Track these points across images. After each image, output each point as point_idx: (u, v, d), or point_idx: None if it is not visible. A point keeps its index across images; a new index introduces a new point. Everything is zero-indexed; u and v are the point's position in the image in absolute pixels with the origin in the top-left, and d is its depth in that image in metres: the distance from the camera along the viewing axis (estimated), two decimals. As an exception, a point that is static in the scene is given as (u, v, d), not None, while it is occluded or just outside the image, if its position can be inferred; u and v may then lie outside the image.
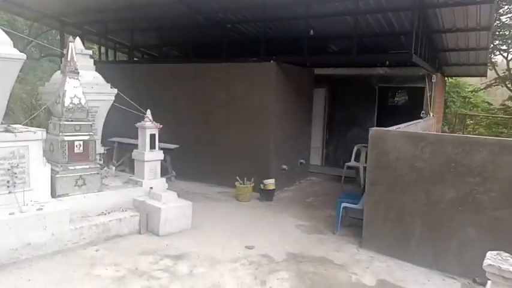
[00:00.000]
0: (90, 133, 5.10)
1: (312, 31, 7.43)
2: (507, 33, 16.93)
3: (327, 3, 6.42)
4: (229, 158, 7.63)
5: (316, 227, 5.63)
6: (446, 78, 11.62)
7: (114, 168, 6.33)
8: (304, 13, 6.76)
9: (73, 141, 4.88)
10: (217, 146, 7.80)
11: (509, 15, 16.14)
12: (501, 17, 16.08)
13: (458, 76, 11.64)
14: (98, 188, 5.08)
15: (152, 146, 5.63)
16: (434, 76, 8.70)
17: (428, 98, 8.82)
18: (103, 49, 10.50)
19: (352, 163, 8.66)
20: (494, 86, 19.77)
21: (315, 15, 6.89)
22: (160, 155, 5.74)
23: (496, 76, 18.82)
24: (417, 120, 7.32)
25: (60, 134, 4.82)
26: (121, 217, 4.92)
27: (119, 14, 8.33)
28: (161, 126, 5.74)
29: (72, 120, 4.92)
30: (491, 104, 20.86)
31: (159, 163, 5.77)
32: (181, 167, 8.11)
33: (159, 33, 8.97)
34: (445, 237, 4.25)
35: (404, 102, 10.19)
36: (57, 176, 4.70)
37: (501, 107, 20.21)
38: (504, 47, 18.00)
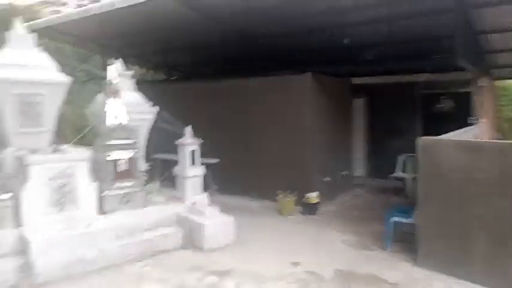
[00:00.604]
0: (134, 151, 5.20)
1: (346, 40, 7.28)
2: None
3: (361, 10, 6.25)
4: (270, 171, 7.54)
5: (364, 242, 5.36)
6: (495, 81, 10.93)
7: (157, 184, 6.42)
8: (339, 21, 6.62)
9: (117, 160, 5.00)
10: (256, 160, 7.74)
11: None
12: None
13: (509, 78, 10.89)
14: (143, 204, 5.15)
15: (193, 162, 5.65)
16: (482, 79, 8.19)
17: (477, 102, 8.30)
18: (143, 70, 10.87)
19: (399, 174, 8.30)
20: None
21: (349, 24, 6.73)
22: (201, 170, 5.76)
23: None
24: (469, 127, 6.88)
25: (105, 153, 4.95)
26: (165, 233, 4.94)
27: (153, 35, 8.59)
28: (202, 140, 5.76)
29: (116, 139, 5.05)
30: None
31: (200, 178, 5.78)
32: (222, 182, 8.12)
33: (194, 52, 9.15)
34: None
35: (450, 108, 9.67)
36: (103, 193, 4.81)
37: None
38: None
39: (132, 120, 5.56)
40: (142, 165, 6.03)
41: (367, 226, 6.09)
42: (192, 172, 5.62)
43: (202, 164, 7.61)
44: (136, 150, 5.34)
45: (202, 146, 8.33)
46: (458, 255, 4.23)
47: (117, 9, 6.53)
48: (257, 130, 7.74)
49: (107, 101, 5.19)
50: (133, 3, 6.22)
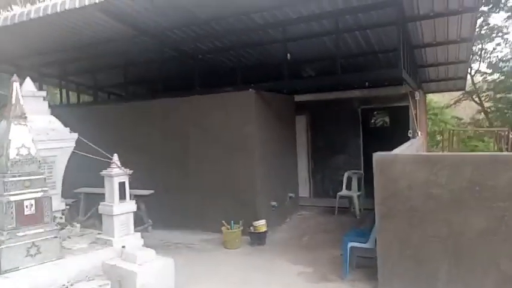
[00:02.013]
0: (44, 188, 4.24)
1: (289, 55, 7.00)
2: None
3: (302, 23, 6.00)
4: (212, 199, 6.85)
5: (321, 272, 4.86)
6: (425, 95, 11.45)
7: (79, 225, 5.41)
8: (280, 37, 6.31)
9: (22, 201, 4.01)
10: (197, 188, 7.02)
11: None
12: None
13: (436, 92, 11.51)
14: (57, 255, 4.16)
15: (122, 196, 4.80)
16: (417, 93, 8.40)
17: (414, 116, 8.46)
18: (65, 92, 9.68)
19: (344, 192, 8.08)
20: (463, 100, 20.20)
21: (291, 38, 6.45)
22: (132, 206, 4.91)
23: (463, 91, 19.25)
24: (410, 141, 6.86)
25: (5, 193, 3.95)
26: (88, 288, 4.01)
27: (77, 52, 7.65)
28: (131, 171, 4.94)
29: (20, 175, 4.06)
30: (462, 119, 21.24)
31: (131, 215, 4.93)
32: (159, 215, 7.25)
33: (125, 70, 8.31)
34: (477, 274, 3.61)
35: (385, 123, 9.83)
36: (2, 246, 3.78)
37: (471, 121, 20.59)
38: (467, 62, 18.51)
39: (44, 150, 4.61)
40: (58, 205, 5.03)
41: (321, 252, 5.64)
42: (120, 208, 4.74)
43: (134, 196, 6.75)
44: (48, 186, 4.38)
45: (135, 176, 7.44)
46: (420, 279, 3.89)
47: (31, 20, 5.61)
48: (197, 154, 7.06)
49: (7, 128, 4.20)
50: (50, 12, 5.36)
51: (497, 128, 15.45)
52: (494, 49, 18.00)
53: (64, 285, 4.01)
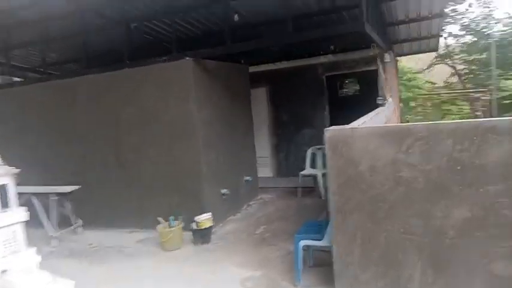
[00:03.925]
0: None
1: (236, 16, 5.83)
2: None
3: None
4: (153, 192, 5.77)
5: (271, 277, 3.92)
6: (396, 58, 10.51)
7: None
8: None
9: None
10: (133, 178, 5.91)
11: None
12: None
13: (409, 54, 10.61)
14: None
15: (4, 204, 3.63)
16: (386, 55, 7.42)
17: (384, 80, 7.52)
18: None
19: (307, 171, 7.14)
20: (435, 64, 19.61)
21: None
22: (21, 215, 3.72)
23: (436, 56, 18.58)
24: (379, 109, 5.91)
25: None
26: None
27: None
28: (18, 170, 3.76)
29: None
30: (435, 83, 20.74)
31: (20, 228, 3.76)
32: (91, 212, 6.13)
33: (47, 46, 6.91)
34: (460, 279, 2.72)
35: (357, 90, 8.90)
36: None
37: (445, 84, 20.09)
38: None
39: None
40: None
41: (275, 248, 4.70)
42: (1, 221, 3.59)
43: (57, 194, 5.61)
44: None
45: (57, 170, 6.28)
46: (389, 286, 2.99)
47: None
48: (132, 140, 5.88)
49: None
50: None
51: (472, 90, 14.86)
52: (466, 10, 17.21)
53: None
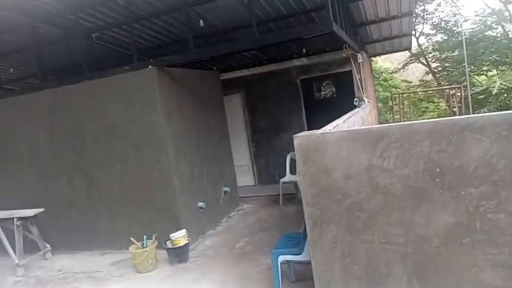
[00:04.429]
0: None
1: (202, 22, 5.62)
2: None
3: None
4: (124, 210, 5.46)
5: (251, 297, 3.69)
6: (370, 58, 10.48)
7: None
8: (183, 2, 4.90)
9: None
10: (104, 198, 5.58)
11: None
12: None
13: (382, 54, 10.61)
14: None
15: None
16: (359, 55, 7.32)
17: (359, 81, 7.42)
18: None
19: (288, 177, 6.96)
20: (410, 63, 19.88)
21: (198, 2, 5.07)
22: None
23: (410, 55, 18.84)
24: (355, 110, 5.77)
25: None
26: None
27: None
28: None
29: None
30: (411, 82, 21.01)
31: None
32: (61, 236, 5.78)
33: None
34: (449, 289, 2.54)
35: (332, 92, 8.82)
36: None
37: (420, 82, 20.37)
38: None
39: None
40: None
41: (257, 262, 4.46)
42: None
43: (19, 218, 5.24)
44: None
45: (17, 193, 5.87)
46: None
47: None
48: (99, 156, 5.55)
49: None
50: None
51: (446, 87, 15.03)
52: (436, 9, 17.49)
53: None
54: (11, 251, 5.28)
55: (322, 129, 3.08)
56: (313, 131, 2.87)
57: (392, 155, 2.52)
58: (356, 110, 5.80)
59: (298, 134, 2.83)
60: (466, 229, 2.42)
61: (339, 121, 3.70)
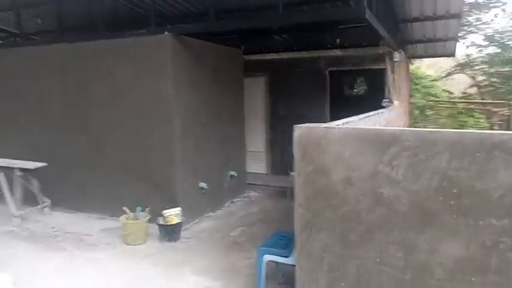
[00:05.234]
0: None
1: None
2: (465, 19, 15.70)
3: None
4: (124, 178, 5.31)
5: (231, 291, 3.44)
6: (410, 60, 9.81)
7: None
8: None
9: None
10: (106, 162, 5.45)
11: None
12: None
13: (424, 57, 9.90)
14: None
15: None
16: (396, 54, 6.78)
17: (392, 81, 6.89)
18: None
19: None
20: (455, 74, 18.75)
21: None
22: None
23: (456, 63, 17.74)
24: (380, 110, 5.31)
25: None
26: None
27: None
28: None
29: None
30: (452, 93, 19.87)
31: None
32: (61, 193, 5.74)
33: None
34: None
35: (362, 89, 8.30)
36: None
37: (463, 95, 19.23)
38: (461, 33, 16.89)
39: None
40: None
41: (247, 255, 4.19)
42: None
43: (21, 170, 5.20)
44: None
45: (20, 145, 5.84)
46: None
47: None
48: (105, 120, 5.42)
49: None
50: None
51: (489, 101, 14.03)
52: (492, 20, 16.26)
53: None
54: (9, 200, 5.28)
55: (329, 123, 2.72)
56: (318, 123, 2.52)
57: (403, 164, 2.14)
58: (380, 110, 5.34)
59: (300, 125, 2.48)
60: (478, 266, 2.04)
61: (353, 118, 3.31)
